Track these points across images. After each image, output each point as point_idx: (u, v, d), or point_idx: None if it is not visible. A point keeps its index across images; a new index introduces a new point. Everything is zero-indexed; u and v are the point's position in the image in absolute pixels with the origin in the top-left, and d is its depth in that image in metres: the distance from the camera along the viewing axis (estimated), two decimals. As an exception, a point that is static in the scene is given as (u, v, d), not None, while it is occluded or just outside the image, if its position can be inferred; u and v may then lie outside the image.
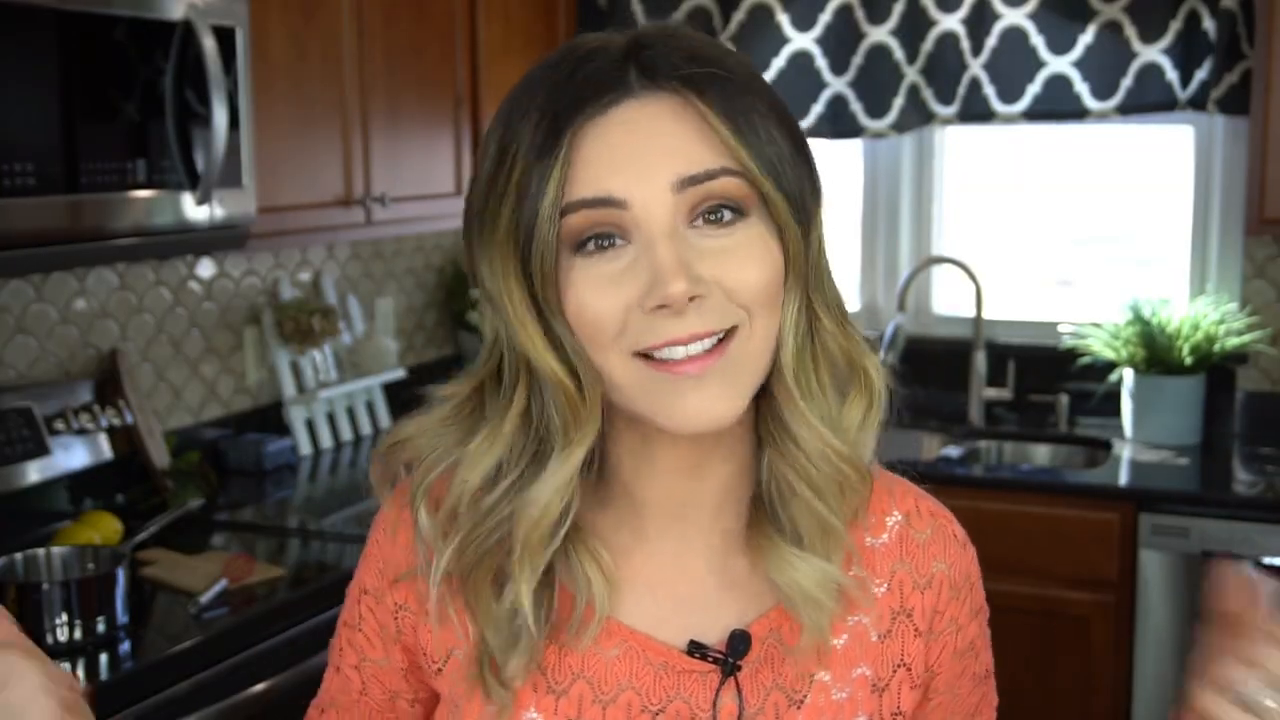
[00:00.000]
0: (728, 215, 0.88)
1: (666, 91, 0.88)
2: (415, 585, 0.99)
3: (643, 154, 0.87)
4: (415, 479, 0.97)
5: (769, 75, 3.41)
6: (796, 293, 0.91)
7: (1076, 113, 3.30)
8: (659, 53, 0.89)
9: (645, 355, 0.88)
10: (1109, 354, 3.29)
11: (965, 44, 3.36)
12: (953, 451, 3.33)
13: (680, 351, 0.87)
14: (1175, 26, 3.19)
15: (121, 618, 2.03)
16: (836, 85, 3.43)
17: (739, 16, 3.42)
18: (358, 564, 1.06)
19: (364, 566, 1.04)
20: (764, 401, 0.94)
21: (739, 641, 0.96)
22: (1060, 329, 3.48)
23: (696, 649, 0.96)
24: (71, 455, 2.52)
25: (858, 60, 3.42)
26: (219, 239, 2.42)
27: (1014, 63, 3.31)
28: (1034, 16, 3.28)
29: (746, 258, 0.88)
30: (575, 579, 0.94)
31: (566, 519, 0.92)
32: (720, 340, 0.88)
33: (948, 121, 3.44)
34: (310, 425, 3.17)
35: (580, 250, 0.88)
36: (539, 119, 0.87)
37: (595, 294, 0.87)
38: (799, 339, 0.92)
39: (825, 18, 3.40)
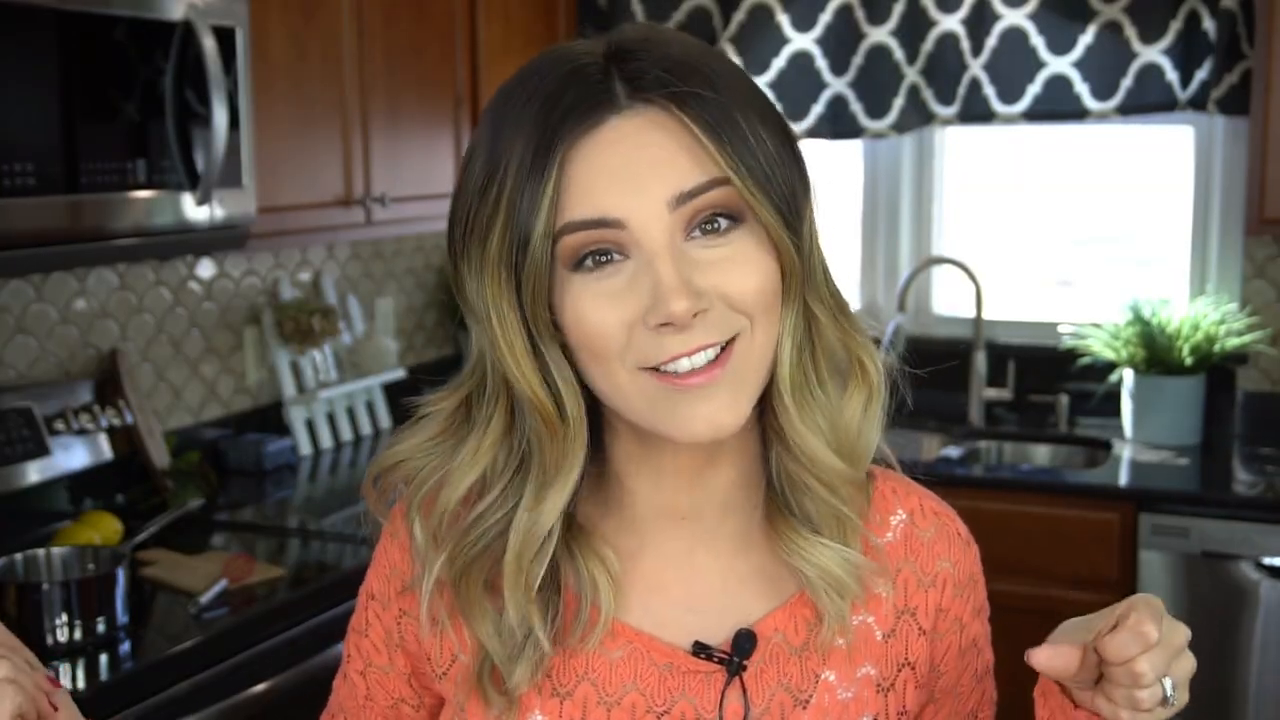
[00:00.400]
0: (723, 224, 0.88)
1: (653, 105, 0.87)
2: (418, 593, 1.00)
3: (635, 171, 0.86)
4: (409, 494, 0.98)
5: (769, 75, 3.42)
6: (794, 294, 0.91)
7: (1076, 113, 3.30)
8: (642, 64, 0.88)
9: (651, 369, 0.88)
10: (1109, 354, 3.29)
11: (965, 44, 3.36)
12: (953, 451, 3.33)
13: (685, 364, 0.87)
14: (1175, 27, 3.18)
15: (121, 618, 2.02)
16: (836, 86, 3.43)
17: (739, 17, 3.42)
18: (368, 570, 1.06)
19: (372, 572, 1.05)
20: (768, 401, 0.94)
21: (744, 641, 0.96)
22: (1060, 329, 3.48)
23: (701, 649, 0.96)
24: (71, 455, 2.52)
25: (858, 60, 3.42)
26: (219, 239, 2.41)
27: (1014, 63, 3.31)
28: (1034, 17, 3.28)
29: (745, 265, 0.88)
30: (580, 582, 0.95)
31: (553, 539, 0.93)
32: (723, 349, 0.88)
33: (948, 122, 3.44)
34: (310, 425, 3.17)
35: (578, 268, 0.88)
36: (528, 138, 0.86)
37: (597, 310, 0.87)
38: (796, 341, 0.92)
39: (825, 18, 3.40)
